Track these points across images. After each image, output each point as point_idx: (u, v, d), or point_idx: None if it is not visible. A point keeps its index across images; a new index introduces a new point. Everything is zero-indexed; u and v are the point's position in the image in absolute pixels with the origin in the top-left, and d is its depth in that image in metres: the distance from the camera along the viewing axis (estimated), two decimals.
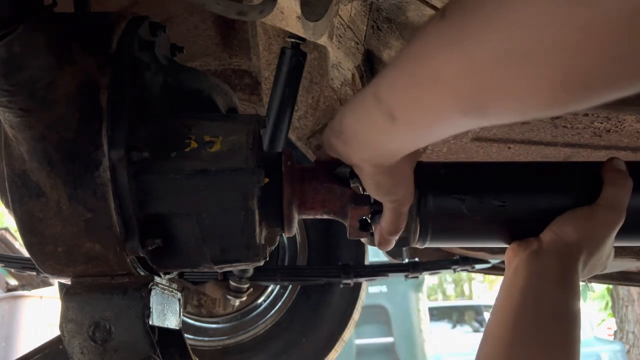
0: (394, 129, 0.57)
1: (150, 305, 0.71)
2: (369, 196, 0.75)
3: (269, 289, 2.03)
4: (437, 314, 8.67)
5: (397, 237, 0.75)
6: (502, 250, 0.81)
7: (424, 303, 6.27)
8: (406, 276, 1.94)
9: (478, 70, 0.46)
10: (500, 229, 0.78)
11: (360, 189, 0.75)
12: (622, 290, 6.68)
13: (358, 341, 5.72)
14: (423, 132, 0.57)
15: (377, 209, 0.75)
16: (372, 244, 0.78)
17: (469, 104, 0.49)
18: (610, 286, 7.21)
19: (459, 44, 0.46)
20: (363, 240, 0.81)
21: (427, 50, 0.50)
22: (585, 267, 0.76)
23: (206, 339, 1.98)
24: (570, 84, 0.43)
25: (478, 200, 0.75)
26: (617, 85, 0.43)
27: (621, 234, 0.77)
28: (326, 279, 1.89)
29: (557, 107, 0.46)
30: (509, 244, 0.79)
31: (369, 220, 0.77)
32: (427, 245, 0.79)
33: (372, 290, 5.79)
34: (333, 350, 1.99)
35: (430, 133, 0.57)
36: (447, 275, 7.73)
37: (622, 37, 0.38)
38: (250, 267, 1.71)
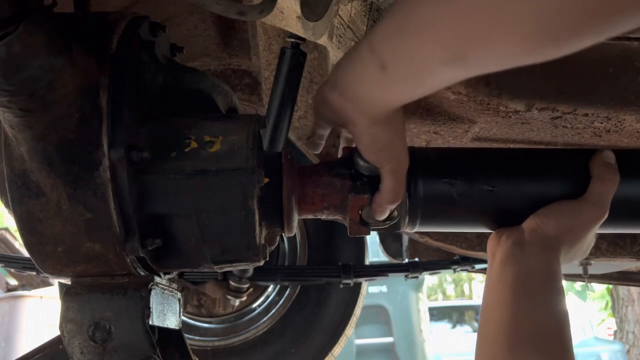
0: (385, 78, 0.60)
1: (150, 305, 0.71)
2: (368, 184, 0.75)
3: (264, 296, 2.03)
4: (437, 314, 8.66)
5: (394, 206, 0.75)
6: None
7: (424, 303, 6.27)
8: (406, 276, 1.94)
9: (457, 19, 0.49)
10: (489, 214, 0.79)
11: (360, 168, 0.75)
12: (622, 290, 6.67)
13: (358, 341, 5.71)
14: (411, 83, 0.60)
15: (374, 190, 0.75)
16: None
17: (449, 53, 0.52)
18: (610, 286, 7.21)
19: None
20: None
21: (415, 1, 0.53)
22: (565, 257, 0.77)
23: (197, 337, 1.98)
24: (542, 28, 0.45)
25: (468, 184, 0.76)
26: (586, 29, 0.45)
27: (604, 224, 0.78)
28: (326, 278, 1.89)
29: (532, 53, 0.49)
30: (496, 229, 0.80)
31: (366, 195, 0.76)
32: (417, 229, 0.79)
33: (372, 290, 5.78)
34: None
35: (418, 84, 0.60)
36: (447, 275, 7.73)
37: None
38: (250, 267, 1.71)
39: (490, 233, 0.81)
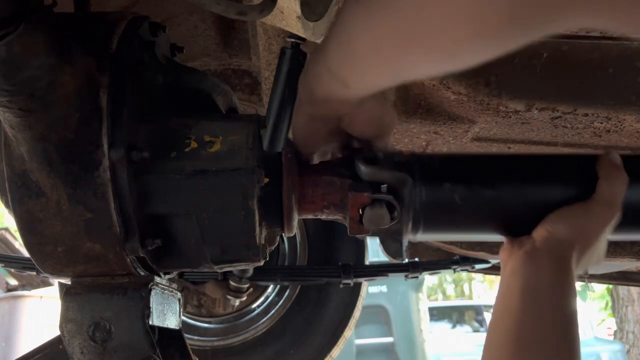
0: (350, 93, 0.68)
1: (150, 305, 0.71)
2: (368, 183, 0.75)
3: (264, 296, 2.03)
4: (437, 314, 8.67)
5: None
6: None
7: (424, 303, 6.27)
8: (406, 276, 1.93)
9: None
10: (493, 220, 0.78)
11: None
12: (622, 290, 6.68)
13: (358, 341, 5.72)
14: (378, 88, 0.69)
15: (377, 197, 0.75)
16: None
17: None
18: (610, 286, 7.21)
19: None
20: None
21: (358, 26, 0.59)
22: (578, 263, 0.75)
23: (196, 337, 1.98)
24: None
25: (471, 190, 0.75)
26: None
27: (617, 229, 0.76)
28: (326, 278, 1.89)
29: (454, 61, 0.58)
30: (502, 236, 0.79)
31: None
32: (420, 236, 0.78)
33: (372, 290, 5.79)
34: None
35: (386, 85, 0.70)
36: (447, 275, 7.73)
37: None
38: (250, 267, 1.71)
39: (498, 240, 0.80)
